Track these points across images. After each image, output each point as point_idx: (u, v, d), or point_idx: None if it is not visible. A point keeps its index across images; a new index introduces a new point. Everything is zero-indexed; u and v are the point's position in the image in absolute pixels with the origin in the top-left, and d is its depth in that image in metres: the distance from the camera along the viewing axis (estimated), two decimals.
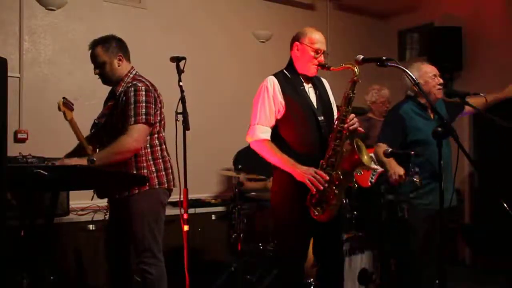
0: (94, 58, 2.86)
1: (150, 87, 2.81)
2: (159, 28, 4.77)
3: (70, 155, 2.97)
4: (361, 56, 2.53)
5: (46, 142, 3.91)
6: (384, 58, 2.44)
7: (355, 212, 4.10)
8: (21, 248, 3.01)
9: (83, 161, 2.56)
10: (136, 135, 2.68)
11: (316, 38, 2.67)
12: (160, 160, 2.86)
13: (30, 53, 4.16)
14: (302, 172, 2.52)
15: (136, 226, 2.77)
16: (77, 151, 2.97)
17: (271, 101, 2.63)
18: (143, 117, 2.70)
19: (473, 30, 5.65)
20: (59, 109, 2.83)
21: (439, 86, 3.18)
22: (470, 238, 5.55)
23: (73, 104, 2.87)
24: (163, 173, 2.86)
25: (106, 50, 2.84)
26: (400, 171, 3.01)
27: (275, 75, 2.72)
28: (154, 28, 4.74)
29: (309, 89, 2.73)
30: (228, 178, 5.07)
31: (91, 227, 3.78)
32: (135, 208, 2.76)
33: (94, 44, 2.87)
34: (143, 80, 2.85)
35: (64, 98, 2.87)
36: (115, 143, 2.67)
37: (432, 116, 3.22)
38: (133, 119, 2.69)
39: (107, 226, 3.07)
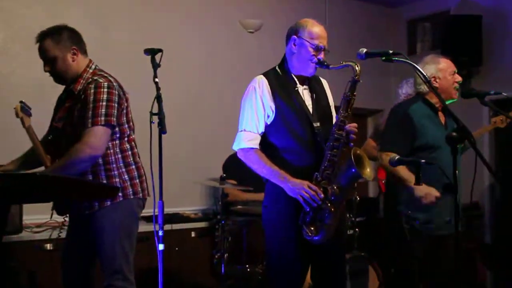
0: (43, 53, 2.85)
1: (114, 83, 2.82)
2: (131, 14, 4.80)
3: (22, 161, 2.98)
4: (365, 49, 2.55)
5: None
6: (391, 51, 2.48)
7: (356, 229, 4.15)
8: None
9: None
10: (90, 140, 2.68)
11: (317, 32, 2.70)
12: (133, 167, 2.89)
13: None
14: (294, 187, 2.57)
15: (105, 244, 2.78)
16: (30, 157, 2.98)
17: (259, 104, 2.68)
18: (102, 118, 2.71)
19: (495, 20, 5.73)
20: (17, 115, 2.83)
21: (457, 85, 3.26)
22: (491, 259, 5.62)
23: (30, 109, 2.88)
24: (137, 181, 2.89)
25: (56, 43, 2.84)
26: (433, 191, 3.02)
27: (265, 74, 2.76)
28: (125, 14, 4.77)
29: (304, 91, 2.76)
30: (211, 189, 5.10)
31: (48, 246, 3.77)
32: (105, 223, 2.77)
33: (42, 37, 2.86)
34: (105, 75, 2.86)
35: (21, 102, 2.86)
36: (68, 153, 2.67)
37: (442, 121, 3.28)
38: (90, 121, 2.70)
39: (64, 246, 3.03)
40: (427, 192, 3.04)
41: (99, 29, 4.49)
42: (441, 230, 3.16)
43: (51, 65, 2.85)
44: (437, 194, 3.02)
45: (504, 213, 5.72)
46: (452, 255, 3.20)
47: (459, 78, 3.28)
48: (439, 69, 3.23)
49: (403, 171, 3.11)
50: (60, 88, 3.11)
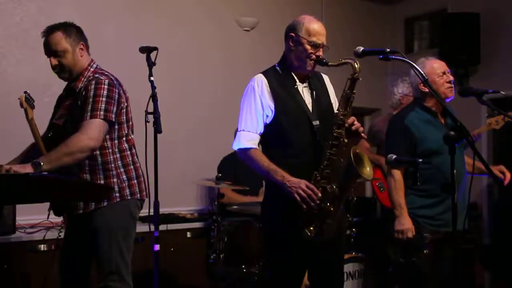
0: (52, 45, 2.85)
1: (114, 82, 2.85)
2: (126, 12, 4.80)
3: (22, 160, 2.98)
4: (361, 48, 2.57)
5: None
6: (388, 50, 2.49)
7: (353, 229, 4.16)
8: None
9: (26, 168, 2.48)
10: (90, 132, 2.69)
11: (315, 29, 2.70)
12: (132, 167, 2.91)
13: None
14: (291, 185, 2.58)
15: (102, 244, 2.80)
16: (30, 156, 2.98)
17: (258, 104, 2.69)
18: (101, 112, 2.72)
19: (493, 18, 5.75)
20: (21, 105, 2.83)
21: (448, 84, 3.27)
22: (490, 260, 5.64)
23: (34, 101, 2.88)
24: (135, 181, 2.91)
25: (68, 36, 2.86)
26: (410, 232, 3.16)
27: (264, 72, 2.77)
28: (118, 12, 4.76)
29: (304, 89, 2.77)
30: (207, 190, 5.11)
31: (42, 247, 3.77)
32: (101, 223, 2.79)
33: (51, 29, 2.87)
34: (106, 73, 2.89)
35: (26, 92, 2.86)
36: (65, 142, 2.66)
37: (443, 122, 3.31)
38: (89, 114, 2.72)
39: (62, 246, 3.06)
40: (405, 229, 3.17)
41: (90, 26, 4.41)
42: (442, 229, 3.18)
43: (60, 58, 2.85)
44: (410, 235, 3.16)
45: (502, 214, 5.74)
46: (450, 255, 3.24)
47: (450, 78, 3.29)
48: (426, 73, 3.21)
49: (397, 197, 3.21)
50: (53, 86, 3.11)
